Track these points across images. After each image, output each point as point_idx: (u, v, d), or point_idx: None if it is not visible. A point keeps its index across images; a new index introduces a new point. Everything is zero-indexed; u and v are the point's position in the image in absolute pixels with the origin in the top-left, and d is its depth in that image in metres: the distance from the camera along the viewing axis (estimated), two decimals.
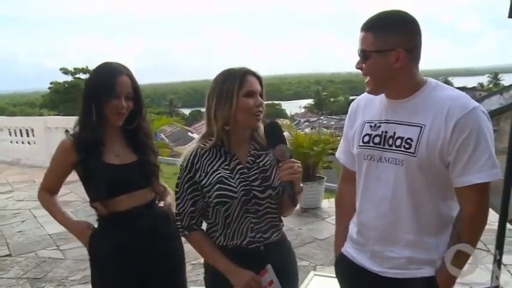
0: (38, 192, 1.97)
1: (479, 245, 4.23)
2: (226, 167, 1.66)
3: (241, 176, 1.66)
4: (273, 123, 1.66)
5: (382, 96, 1.56)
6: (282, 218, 1.80)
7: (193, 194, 1.67)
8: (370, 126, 1.58)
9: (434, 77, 1.58)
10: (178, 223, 1.72)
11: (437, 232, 1.51)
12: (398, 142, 1.48)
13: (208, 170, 1.65)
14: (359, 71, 1.53)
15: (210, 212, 1.69)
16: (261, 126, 1.70)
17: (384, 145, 1.52)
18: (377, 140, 1.54)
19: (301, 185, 1.60)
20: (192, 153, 1.68)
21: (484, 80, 74.85)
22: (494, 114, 13.73)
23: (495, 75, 74.10)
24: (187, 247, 1.85)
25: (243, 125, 1.65)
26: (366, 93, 1.62)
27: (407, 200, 1.48)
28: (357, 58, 1.52)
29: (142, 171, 1.89)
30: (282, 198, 1.70)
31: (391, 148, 1.50)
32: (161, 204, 1.98)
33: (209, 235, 1.73)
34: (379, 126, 1.54)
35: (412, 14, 1.47)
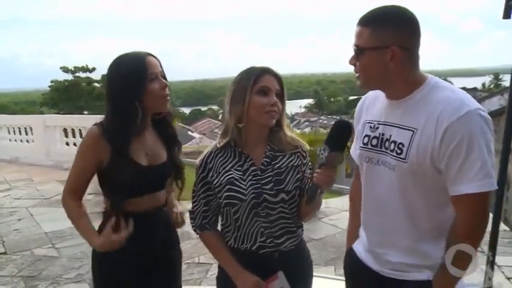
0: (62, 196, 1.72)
1: None
2: (239, 168, 1.62)
3: (254, 178, 1.61)
4: (344, 123, 1.51)
5: (384, 95, 1.48)
6: (303, 223, 1.74)
7: (207, 194, 1.66)
8: (370, 127, 1.52)
9: None
10: (192, 221, 1.71)
11: (434, 239, 1.43)
12: (392, 146, 1.41)
13: (221, 170, 1.63)
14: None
15: (222, 213, 1.68)
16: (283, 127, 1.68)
17: (381, 148, 1.46)
18: (375, 142, 1.49)
19: (324, 193, 1.57)
20: (207, 153, 1.67)
21: (486, 80, 74.75)
22: (495, 115, 13.69)
23: (497, 75, 73.89)
24: (182, 246, 1.85)
25: (256, 123, 1.60)
26: (372, 91, 1.55)
27: (401, 205, 1.42)
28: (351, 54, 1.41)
29: (168, 173, 1.80)
30: (300, 202, 1.64)
31: (387, 151, 1.43)
32: (175, 209, 1.91)
33: (223, 235, 1.71)
34: (377, 128, 1.48)
35: (412, 11, 1.36)
